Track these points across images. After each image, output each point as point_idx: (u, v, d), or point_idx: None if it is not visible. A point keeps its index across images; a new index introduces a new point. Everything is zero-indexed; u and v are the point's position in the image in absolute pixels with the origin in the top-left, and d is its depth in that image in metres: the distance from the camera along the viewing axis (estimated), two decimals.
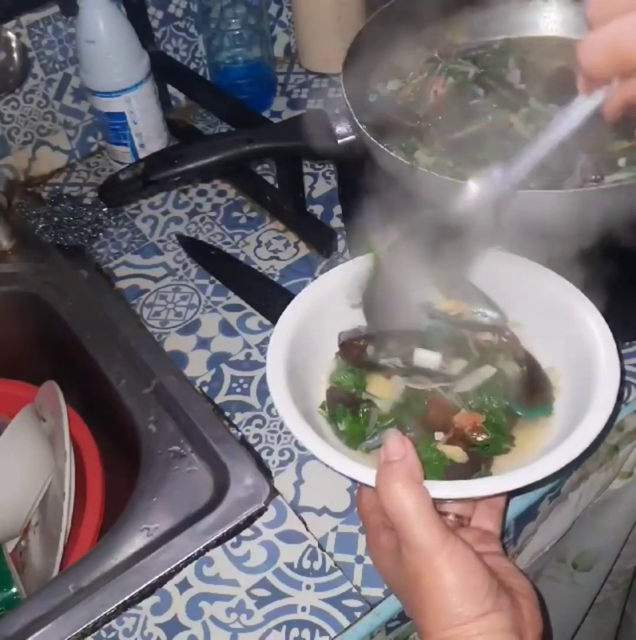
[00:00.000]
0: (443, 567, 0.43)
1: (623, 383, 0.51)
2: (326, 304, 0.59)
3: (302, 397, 0.54)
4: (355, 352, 0.56)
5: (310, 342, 0.57)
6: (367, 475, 0.47)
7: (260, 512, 0.60)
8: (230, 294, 0.77)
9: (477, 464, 0.51)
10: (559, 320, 0.56)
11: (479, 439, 0.51)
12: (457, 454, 0.51)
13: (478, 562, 0.44)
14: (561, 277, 0.57)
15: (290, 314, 0.58)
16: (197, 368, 0.71)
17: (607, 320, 0.54)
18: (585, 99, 0.44)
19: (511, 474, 0.47)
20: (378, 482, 0.45)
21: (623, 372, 0.51)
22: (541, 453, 0.50)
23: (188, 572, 0.58)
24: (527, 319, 0.58)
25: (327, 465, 0.49)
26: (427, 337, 0.56)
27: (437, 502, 0.46)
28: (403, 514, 0.44)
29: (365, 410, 0.54)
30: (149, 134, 0.85)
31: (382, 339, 0.56)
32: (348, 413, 0.54)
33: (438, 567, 0.43)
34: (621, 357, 0.52)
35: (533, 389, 0.54)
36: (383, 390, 0.55)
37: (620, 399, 0.50)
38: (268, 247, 0.80)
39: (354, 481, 0.49)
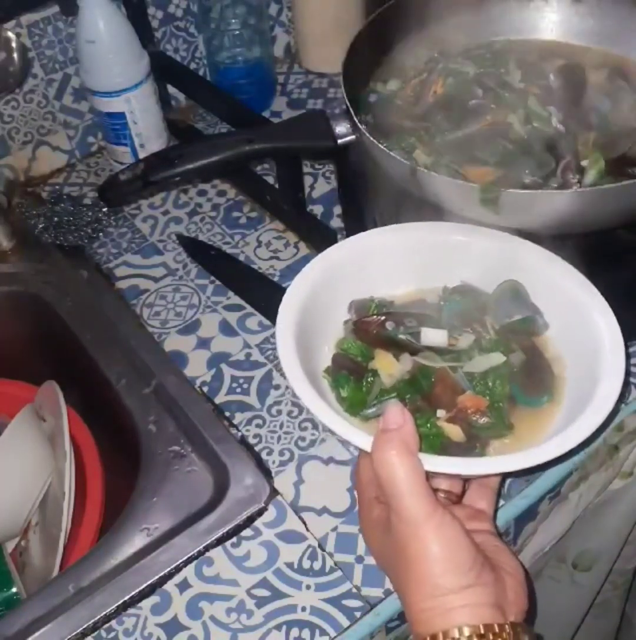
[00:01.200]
0: (429, 538, 0.44)
1: (625, 383, 0.51)
2: (338, 271, 0.59)
3: (308, 360, 0.54)
4: (372, 329, 0.56)
5: (321, 307, 0.58)
6: (363, 440, 0.47)
7: (260, 512, 0.60)
8: (230, 294, 0.77)
9: (473, 444, 0.51)
10: (568, 311, 0.56)
11: (480, 421, 0.52)
12: (454, 432, 0.51)
13: (465, 536, 0.45)
14: (571, 267, 0.57)
15: (303, 279, 0.58)
16: (197, 368, 0.71)
17: None
18: None
19: (506, 457, 0.48)
20: (374, 448, 0.46)
21: (626, 372, 0.51)
22: (541, 442, 0.50)
23: (188, 572, 0.58)
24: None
25: (325, 426, 0.49)
26: (442, 313, 0.57)
27: (429, 474, 0.47)
28: (394, 482, 0.44)
29: (369, 379, 0.55)
30: (149, 134, 0.85)
31: (399, 315, 0.56)
32: (352, 380, 0.55)
33: (424, 537, 0.44)
34: (628, 355, 0.52)
35: (535, 378, 0.54)
36: (389, 367, 0.55)
37: (620, 398, 0.50)
38: (268, 247, 0.80)
39: (349, 444, 0.50)
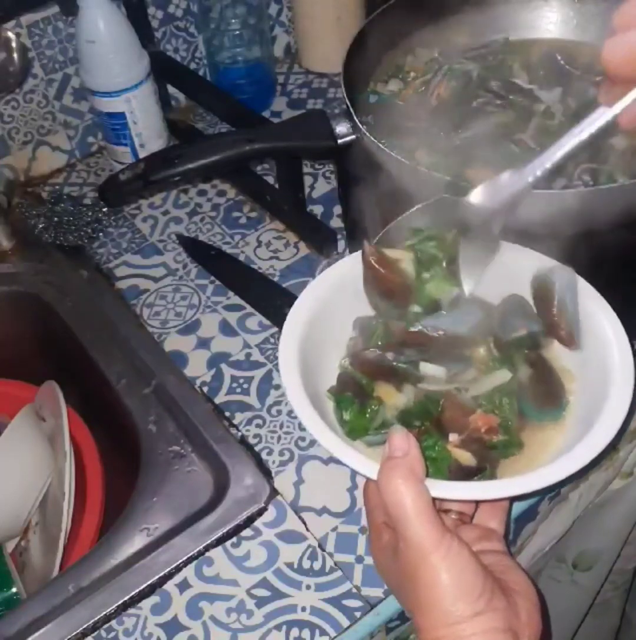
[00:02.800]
0: (438, 566, 0.43)
1: None
2: (344, 286, 0.58)
3: (312, 379, 0.53)
4: (372, 359, 0.54)
5: (327, 323, 0.57)
6: (369, 468, 0.47)
7: (260, 512, 0.60)
8: (230, 294, 0.77)
9: (483, 466, 0.50)
10: None
11: (494, 439, 0.51)
12: (464, 457, 0.50)
13: (474, 561, 0.44)
14: (579, 277, 0.56)
15: (308, 295, 0.57)
16: (197, 368, 0.71)
17: None
18: (604, 109, 0.45)
19: (514, 480, 0.47)
20: (380, 476, 0.45)
21: None
22: (550, 459, 0.49)
23: (188, 572, 0.58)
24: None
25: (332, 454, 0.48)
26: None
27: (437, 500, 0.46)
28: (401, 510, 0.44)
29: (373, 407, 0.53)
30: (149, 134, 0.85)
31: (398, 345, 0.54)
32: (356, 404, 0.53)
33: (433, 566, 0.43)
34: None
35: (545, 392, 0.53)
36: (390, 398, 0.54)
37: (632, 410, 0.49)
38: (268, 247, 0.80)
39: (355, 473, 0.49)
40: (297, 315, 0.56)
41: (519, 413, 0.53)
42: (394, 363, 0.54)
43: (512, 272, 0.58)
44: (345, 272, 0.59)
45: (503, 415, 0.52)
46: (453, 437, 0.51)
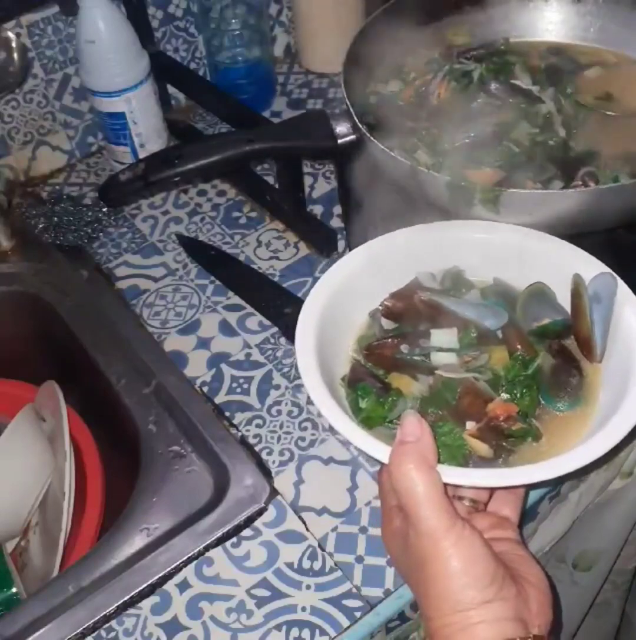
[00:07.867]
0: (448, 553, 0.43)
1: None
2: (358, 275, 0.58)
3: (325, 366, 0.53)
4: (387, 352, 0.55)
5: (340, 313, 0.57)
6: (381, 451, 0.46)
7: (260, 512, 0.60)
8: (230, 294, 0.77)
9: (497, 455, 0.50)
10: None
11: (513, 428, 0.50)
12: (481, 448, 0.50)
13: (485, 549, 0.44)
14: (604, 266, 0.55)
15: (325, 282, 0.57)
16: (197, 368, 0.71)
17: None
18: None
19: (527, 468, 0.46)
20: (391, 461, 0.45)
21: None
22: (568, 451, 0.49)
23: (188, 572, 0.58)
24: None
25: (341, 434, 0.48)
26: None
27: (451, 486, 0.46)
28: (412, 496, 0.44)
29: (393, 397, 0.53)
30: (148, 134, 0.85)
31: (413, 336, 0.55)
32: (374, 393, 0.53)
33: (443, 553, 0.43)
34: None
35: (565, 383, 0.53)
36: (407, 387, 0.54)
37: None
38: (268, 247, 0.80)
39: (369, 457, 0.48)
40: (314, 302, 0.56)
41: (539, 403, 0.52)
42: (408, 356, 0.54)
43: (556, 269, 0.57)
44: (360, 259, 0.59)
45: (521, 407, 0.51)
46: (470, 426, 0.51)
